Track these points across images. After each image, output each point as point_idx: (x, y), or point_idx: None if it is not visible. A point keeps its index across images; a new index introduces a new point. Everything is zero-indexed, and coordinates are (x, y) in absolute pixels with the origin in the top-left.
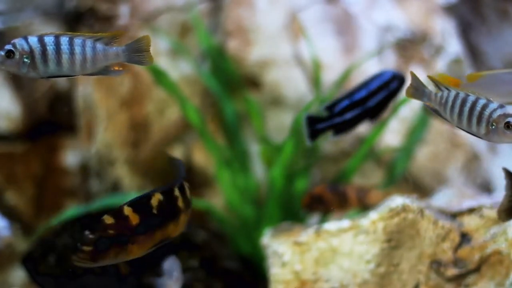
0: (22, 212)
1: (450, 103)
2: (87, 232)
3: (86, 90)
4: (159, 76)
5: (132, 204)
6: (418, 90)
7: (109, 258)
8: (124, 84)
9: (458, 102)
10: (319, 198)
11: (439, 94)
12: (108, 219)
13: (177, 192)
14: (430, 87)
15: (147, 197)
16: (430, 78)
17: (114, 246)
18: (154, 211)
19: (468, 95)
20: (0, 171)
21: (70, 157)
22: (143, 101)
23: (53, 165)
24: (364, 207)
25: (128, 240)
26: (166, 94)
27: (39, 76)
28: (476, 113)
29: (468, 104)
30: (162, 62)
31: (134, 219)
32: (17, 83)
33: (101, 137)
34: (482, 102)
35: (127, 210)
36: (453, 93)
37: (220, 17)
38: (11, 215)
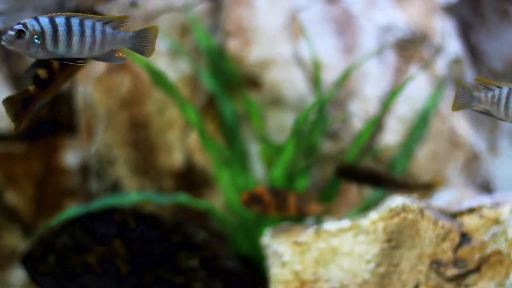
0: (22, 212)
1: (503, 100)
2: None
3: (86, 90)
4: (157, 76)
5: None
6: (466, 98)
7: None
8: (124, 84)
9: None
10: (258, 198)
11: (490, 94)
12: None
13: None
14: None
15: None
16: (478, 80)
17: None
18: None
19: None
20: (0, 171)
21: (70, 157)
22: (143, 101)
23: (53, 165)
24: (303, 216)
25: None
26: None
27: (47, 57)
28: None
29: None
30: (162, 62)
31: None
32: (17, 83)
33: (101, 137)
34: None
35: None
36: (505, 89)
37: (220, 17)
38: (11, 215)
